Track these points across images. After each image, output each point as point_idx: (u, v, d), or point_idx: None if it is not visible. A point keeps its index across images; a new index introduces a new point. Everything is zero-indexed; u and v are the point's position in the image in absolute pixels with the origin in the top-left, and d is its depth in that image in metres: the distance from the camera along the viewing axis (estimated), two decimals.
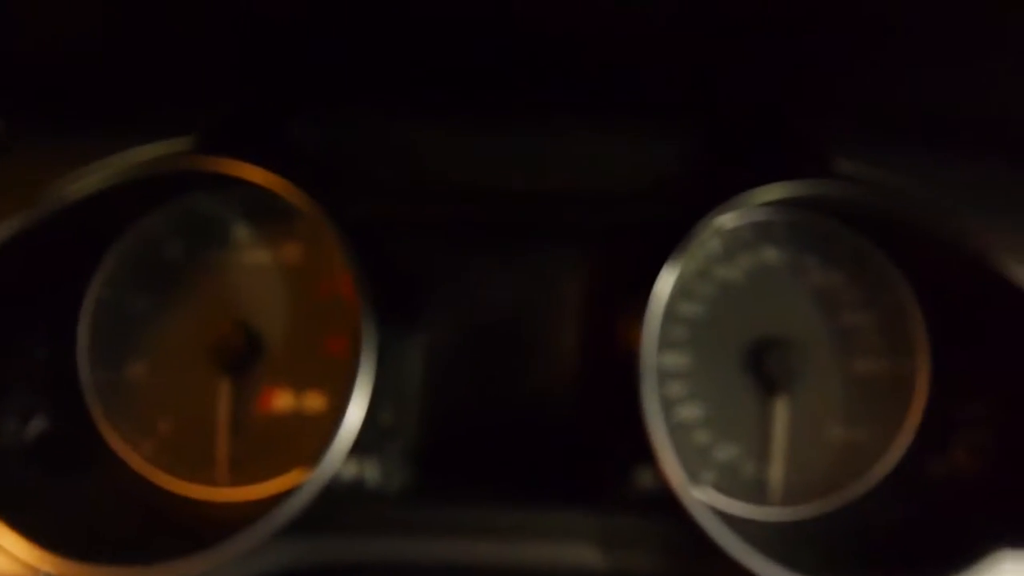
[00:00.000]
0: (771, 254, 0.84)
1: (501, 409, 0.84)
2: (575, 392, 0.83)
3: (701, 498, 0.69)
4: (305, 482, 0.64)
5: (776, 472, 0.80)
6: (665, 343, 0.82)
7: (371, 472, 0.72)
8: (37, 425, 0.79)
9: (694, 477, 0.81)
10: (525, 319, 0.85)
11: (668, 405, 0.81)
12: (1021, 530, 0.68)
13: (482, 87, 0.78)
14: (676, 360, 0.83)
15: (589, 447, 0.79)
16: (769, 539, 0.76)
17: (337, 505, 0.71)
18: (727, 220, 0.82)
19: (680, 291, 0.82)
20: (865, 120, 0.76)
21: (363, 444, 0.69)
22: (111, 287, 0.83)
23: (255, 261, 0.84)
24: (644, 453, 0.68)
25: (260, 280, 0.83)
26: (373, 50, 0.73)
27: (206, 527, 0.69)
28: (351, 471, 0.72)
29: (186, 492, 0.80)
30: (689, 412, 0.83)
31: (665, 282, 0.72)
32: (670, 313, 0.82)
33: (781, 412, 0.80)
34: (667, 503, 0.67)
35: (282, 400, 0.82)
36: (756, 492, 0.81)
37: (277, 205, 0.81)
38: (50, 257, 0.78)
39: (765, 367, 0.80)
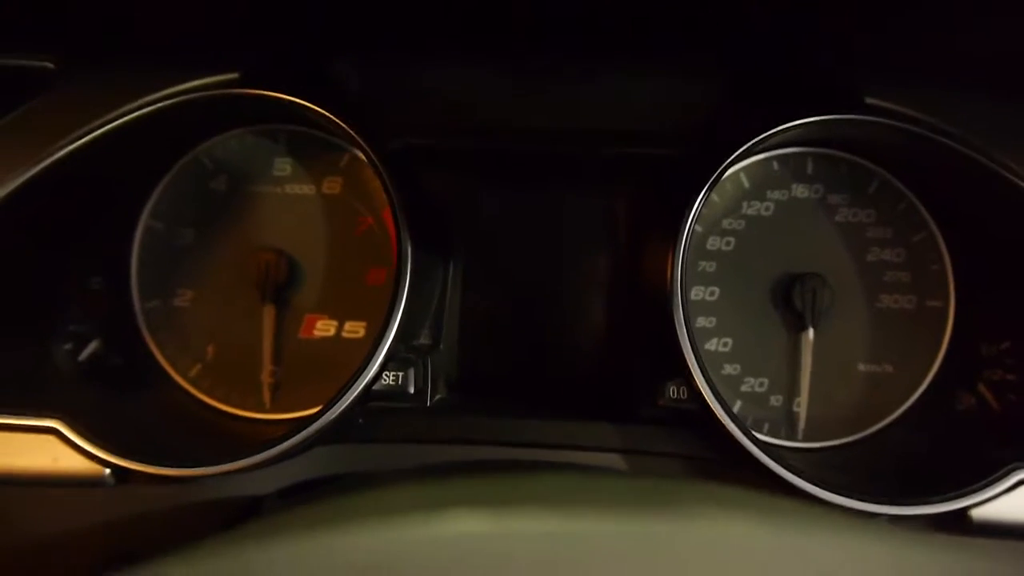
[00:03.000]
0: (800, 191, 0.86)
1: (533, 331, 0.87)
2: (606, 316, 0.86)
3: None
4: (347, 390, 0.68)
5: (803, 404, 0.83)
6: (694, 277, 0.85)
7: (409, 383, 0.76)
8: (92, 349, 0.83)
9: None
10: (556, 248, 0.88)
11: (698, 337, 0.84)
12: None
13: (514, 29, 0.80)
14: (705, 294, 0.86)
15: (619, 368, 0.82)
16: (796, 463, 0.79)
17: (377, 415, 0.75)
18: (755, 156, 0.85)
19: (709, 226, 0.85)
20: (894, 58, 0.78)
21: (401, 359, 0.72)
22: (160, 219, 0.88)
23: (297, 194, 0.88)
24: (675, 371, 0.71)
25: (302, 213, 0.87)
26: None
27: (252, 441, 0.72)
28: (390, 382, 0.75)
29: (233, 410, 0.84)
30: (718, 344, 0.85)
31: (694, 216, 0.74)
32: (699, 248, 0.85)
33: (808, 346, 0.82)
34: (696, 416, 0.70)
35: (323, 327, 0.86)
36: (784, 423, 0.85)
37: (318, 141, 0.86)
38: (101, 188, 0.82)
39: (793, 301, 0.82)
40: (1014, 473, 0.67)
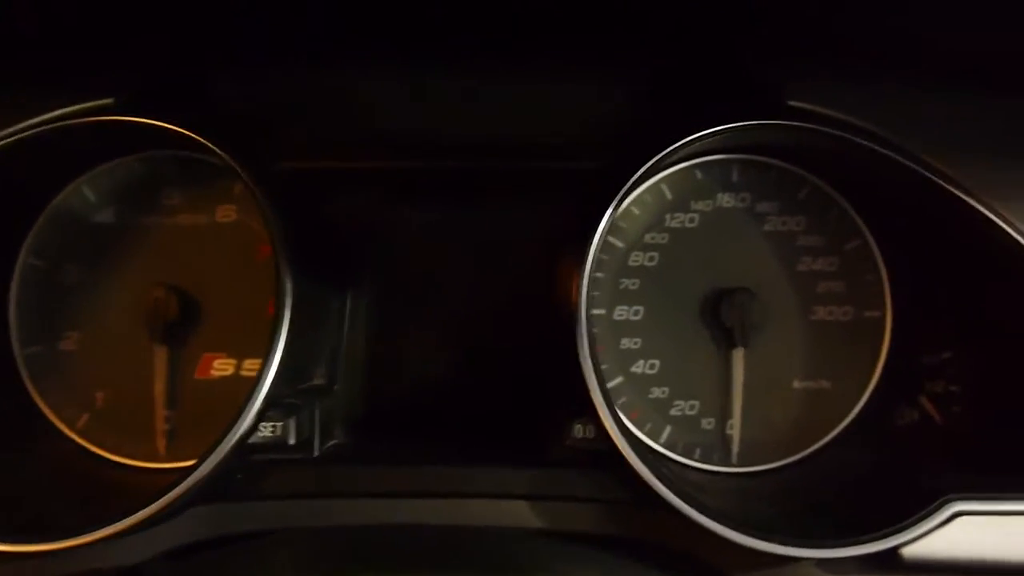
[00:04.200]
0: (726, 200, 0.82)
1: (444, 365, 0.84)
2: (522, 348, 0.82)
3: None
4: (216, 447, 0.63)
5: (736, 426, 0.80)
6: (616, 296, 0.81)
7: (290, 434, 0.71)
8: None
9: (652, 432, 0.82)
10: (471, 274, 0.84)
11: (623, 359, 0.81)
12: (972, 476, 0.68)
13: (423, 34, 0.75)
14: (629, 313, 0.82)
15: (531, 404, 0.79)
16: (727, 493, 0.78)
17: (260, 468, 0.71)
18: (677, 166, 0.81)
19: (631, 241, 0.82)
20: (818, 59, 0.74)
21: (285, 405, 0.67)
22: (41, 257, 0.82)
23: (190, 225, 0.82)
24: (582, 407, 0.67)
25: (196, 244, 0.82)
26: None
27: (145, 495, 0.67)
28: (267, 433, 0.70)
29: (125, 461, 0.79)
30: (644, 366, 0.82)
31: (601, 234, 0.70)
32: (620, 265, 0.81)
33: (739, 364, 0.80)
34: (605, 456, 0.67)
35: (221, 367, 0.81)
36: (717, 447, 0.82)
37: (210, 167, 0.80)
38: None
39: (722, 318, 0.80)
40: (948, 505, 0.63)
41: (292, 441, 0.70)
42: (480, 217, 0.84)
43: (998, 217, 0.69)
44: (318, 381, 0.78)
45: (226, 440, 0.63)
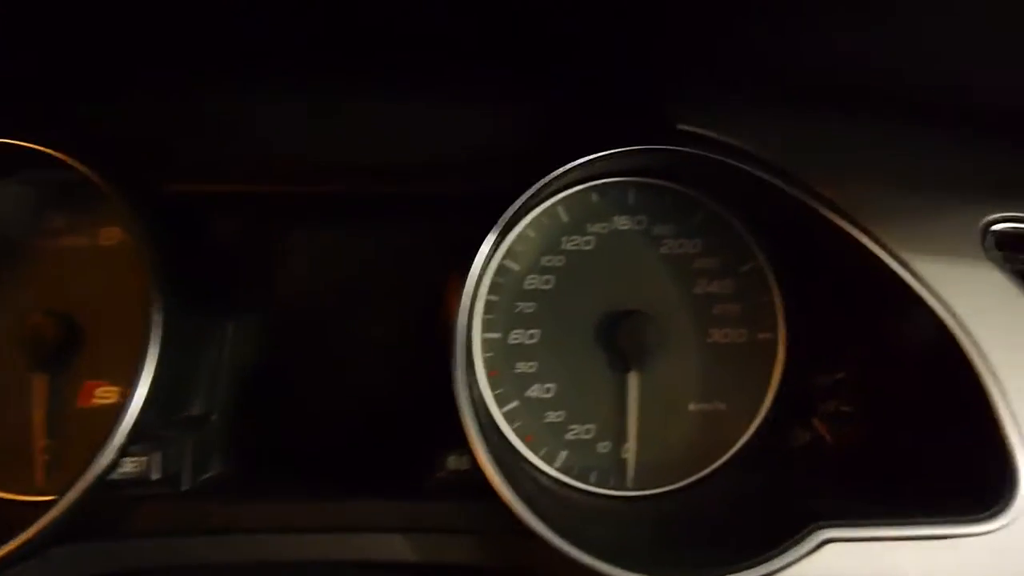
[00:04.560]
0: (622, 222, 0.82)
1: (330, 395, 0.82)
2: (407, 377, 0.82)
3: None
4: (74, 483, 0.60)
5: (632, 449, 0.80)
6: (513, 319, 0.81)
7: (152, 469, 0.69)
8: None
9: (548, 456, 0.81)
10: (356, 299, 0.82)
11: (518, 383, 0.80)
12: (851, 500, 0.69)
13: (315, 55, 0.75)
14: (524, 337, 0.81)
15: (413, 434, 0.77)
16: (619, 518, 0.78)
17: (122, 506, 0.69)
18: (573, 188, 0.81)
19: (527, 264, 0.81)
20: (710, 84, 0.76)
21: (155, 437, 0.65)
22: None
23: (72, 248, 0.80)
24: (459, 436, 0.67)
25: (79, 268, 0.79)
26: (184, 19, 0.68)
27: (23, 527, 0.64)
28: (129, 468, 0.68)
29: (2, 495, 0.76)
30: (540, 390, 0.81)
31: (486, 254, 0.70)
32: (516, 288, 0.81)
33: (634, 387, 0.80)
34: (479, 489, 0.66)
35: (103, 395, 0.78)
36: (613, 471, 0.81)
37: (92, 189, 0.77)
38: None
39: (617, 341, 0.79)
40: (817, 532, 0.64)
41: (156, 476, 0.68)
42: (371, 242, 0.82)
43: (877, 244, 0.71)
44: (194, 411, 0.76)
45: (85, 476, 0.61)
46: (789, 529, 0.65)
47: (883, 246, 0.71)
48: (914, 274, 0.70)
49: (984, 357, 0.68)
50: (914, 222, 0.72)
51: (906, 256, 0.70)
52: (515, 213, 0.71)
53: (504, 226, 0.71)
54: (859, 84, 0.72)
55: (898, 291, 0.71)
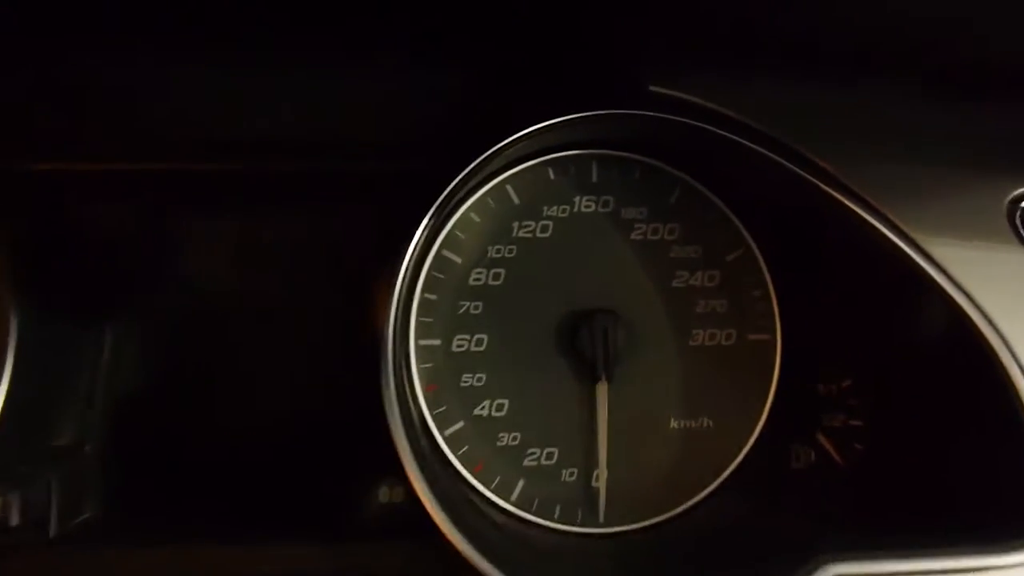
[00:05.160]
0: (585, 204, 0.80)
1: (229, 417, 0.79)
2: (323, 393, 0.79)
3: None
4: None
5: (603, 477, 0.78)
6: (456, 323, 0.78)
7: (12, 514, 0.65)
8: None
9: (502, 487, 0.79)
10: (268, 301, 0.80)
11: (464, 399, 0.78)
12: (865, 530, 0.68)
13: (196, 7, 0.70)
14: (470, 342, 0.79)
15: (334, 462, 0.75)
16: (590, 560, 0.76)
17: None
18: (524, 164, 0.79)
19: (472, 256, 0.79)
20: (685, 42, 0.74)
21: (10, 473, 0.62)
22: None
23: None
24: (391, 464, 0.65)
25: None
26: None
27: None
28: None
29: None
30: (491, 408, 0.79)
31: (418, 242, 0.69)
32: (459, 285, 0.78)
33: (604, 402, 0.78)
34: (417, 526, 0.64)
35: None
36: (581, 503, 0.79)
37: None
38: None
39: (581, 346, 0.78)
40: (824, 568, 0.62)
41: (15, 521, 0.64)
42: (283, 232, 0.80)
43: (887, 225, 0.70)
44: (62, 440, 0.73)
45: None
46: (791, 566, 0.63)
47: (894, 227, 0.70)
48: (930, 259, 0.70)
49: (1015, 356, 0.68)
50: (930, 199, 0.72)
51: (921, 238, 0.70)
52: (454, 194, 0.70)
53: (441, 210, 0.69)
54: (861, 45, 0.72)
55: (912, 280, 0.70)
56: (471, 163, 0.69)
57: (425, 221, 0.69)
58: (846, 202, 0.70)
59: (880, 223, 0.70)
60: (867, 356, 0.80)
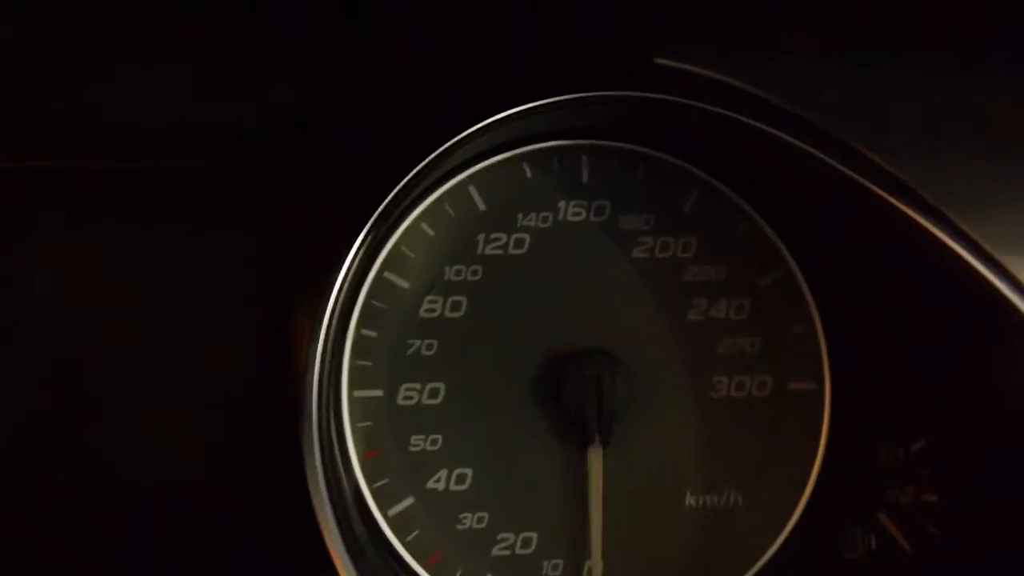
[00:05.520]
0: (573, 211, 0.75)
1: (92, 489, 0.74)
2: (220, 458, 0.74)
3: None
4: None
5: (595, 570, 0.73)
6: (403, 367, 0.73)
7: None
8: None
9: None
10: (147, 338, 0.75)
11: (414, 468, 0.73)
12: None
13: None
14: (421, 394, 0.73)
15: (232, 551, 0.71)
16: None
17: None
18: (487, 159, 0.74)
19: (423, 281, 0.73)
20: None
21: None
22: None
23: None
24: (313, 554, 0.61)
25: None
26: None
27: None
28: None
29: None
30: (448, 480, 0.73)
31: (354, 259, 0.64)
32: (407, 317, 0.73)
33: (597, 472, 0.72)
34: None
35: None
36: None
37: None
38: None
39: (569, 399, 0.72)
40: None
41: None
42: (173, 247, 0.74)
43: (961, 241, 0.65)
44: None
45: None
46: None
47: (969, 243, 0.66)
48: (1019, 286, 0.65)
49: None
50: (1016, 206, 0.68)
51: (1007, 259, 0.65)
52: (400, 198, 0.65)
53: (383, 219, 0.65)
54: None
55: (997, 312, 0.65)
56: (421, 158, 0.64)
57: (362, 235, 0.64)
58: (914, 215, 0.66)
59: (957, 242, 0.66)
60: (944, 411, 0.74)
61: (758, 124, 0.67)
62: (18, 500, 0.73)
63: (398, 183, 0.65)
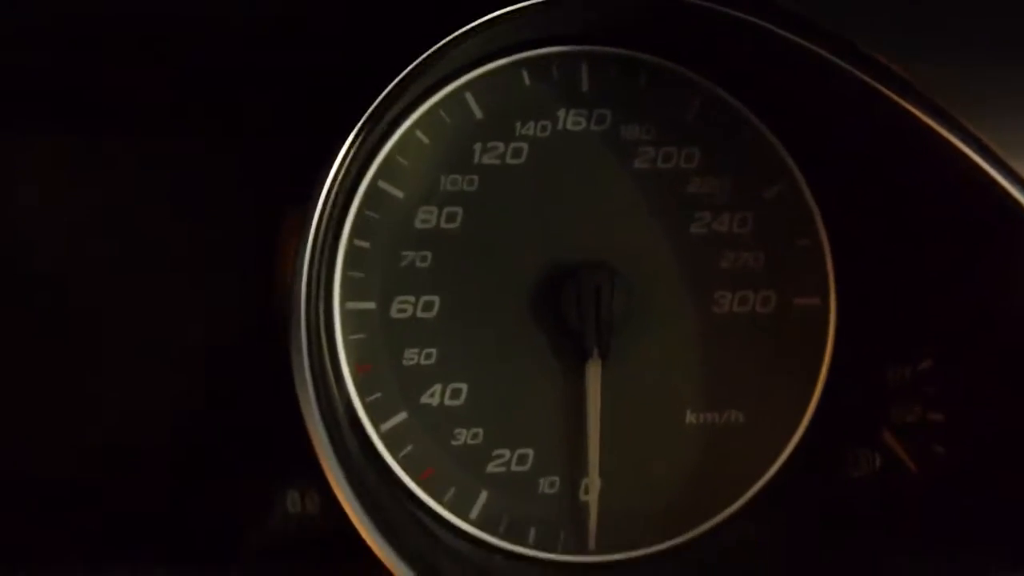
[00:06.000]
0: (572, 120, 0.74)
1: (84, 411, 0.73)
2: (211, 373, 0.73)
3: None
4: None
5: (594, 488, 0.73)
6: (396, 279, 0.73)
7: None
8: None
9: (458, 502, 0.74)
10: (126, 254, 0.74)
11: (407, 382, 0.73)
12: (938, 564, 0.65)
13: None
14: (415, 306, 0.73)
15: (225, 464, 0.71)
16: None
17: None
18: (483, 65, 0.73)
19: (417, 190, 0.73)
20: None
21: None
22: None
23: None
24: (302, 464, 0.61)
25: None
26: None
27: None
28: None
29: None
30: (443, 395, 0.74)
31: (342, 166, 0.63)
32: (401, 228, 0.72)
33: (595, 387, 0.72)
34: (339, 544, 0.61)
35: None
36: (565, 522, 0.75)
37: None
38: None
39: (567, 311, 0.72)
40: None
41: None
42: (152, 155, 0.73)
43: (983, 153, 0.63)
44: None
45: None
46: None
47: (990, 154, 0.64)
48: None
49: None
50: None
51: (1019, 164, 0.64)
52: (392, 102, 0.64)
53: (374, 124, 0.65)
54: None
55: (1010, 221, 0.64)
56: (414, 59, 0.63)
57: (351, 138, 0.63)
58: (924, 118, 0.64)
59: (972, 149, 0.64)
60: (952, 328, 0.74)
61: (758, 20, 0.65)
62: (21, 426, 0.73)
63: (390, 85, 0.63)
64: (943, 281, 0.75)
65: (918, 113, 0.65)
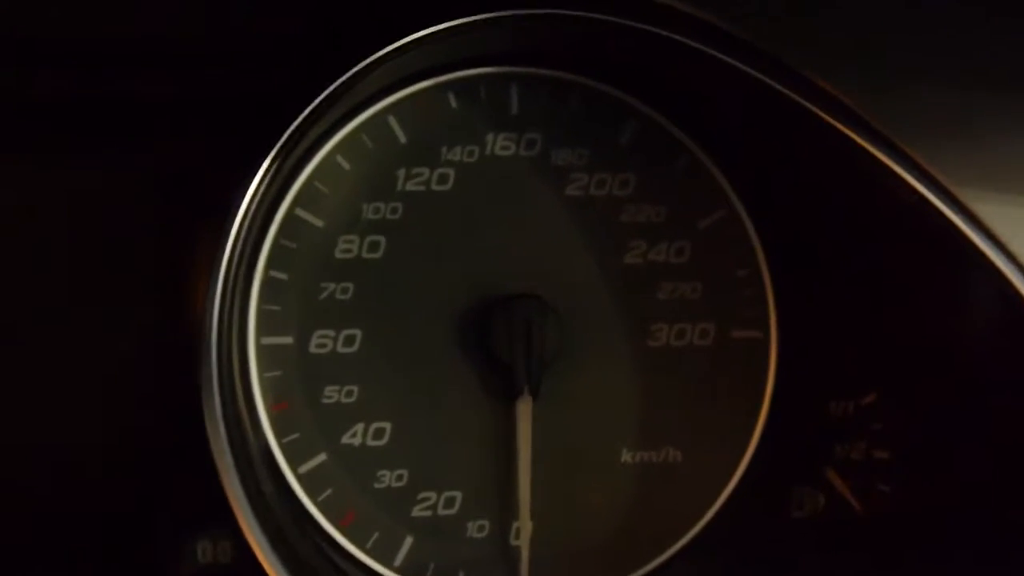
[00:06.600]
0: (501, 145, 0.73)
1: None
2: (116, 414, 0.70)
3: None
4: None
5: (525, 533, 0.72)
6: (315, 313, 0.71)
7: None
8: None
9: (381, 548, 0.72)
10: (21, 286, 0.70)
11: (327, 422, 0.71)
12: None
13: None
14: (336, 341, 0.72)
15: (133, 510, 0.67)
16: None
17: None
18: (409, 86, 0.72)
19: (339, 218, 0.71)
20: None
21: None
22: None
23: None
24: (213, 511, 0.61)
25: None
26: None
27: None
28: None
29: None
30: (364, 435, 0.72)
31: (257, 192, 0.62)
32: (321, 259, 0.71)
33: (526, 426, 0.71)
34: None
35: None
36: (494, 568, 0.74)
37: None
38: None
39: (496, 346, 0.71)
40: None
41: None
42: (50, 178, 0.69)
43: (921, 177, 0.63)
44: None
45: None
46: None
47: (930, 180, 0.64)
48: (980, 226, 0.63)
49: None
50: (979, 145, 0.66)
51: (966, 195, 0.64)
52: (310, 126, 0.63)
53: (291, 149, 0.63)
54: None
55: (958, 255, 0.64)
56: (334, 80, 0.62)
57: (266, 164, 0.61)
58: (869, 148, 0.64)
59: (909, 172, 0.64)
60: (897, 361, 0.74)
61: (706, 50, 0.64)
62: None
63: (308, 108, 0.61)
64: (887, 314, 0.76)
65: (857, 139, 0.65)
